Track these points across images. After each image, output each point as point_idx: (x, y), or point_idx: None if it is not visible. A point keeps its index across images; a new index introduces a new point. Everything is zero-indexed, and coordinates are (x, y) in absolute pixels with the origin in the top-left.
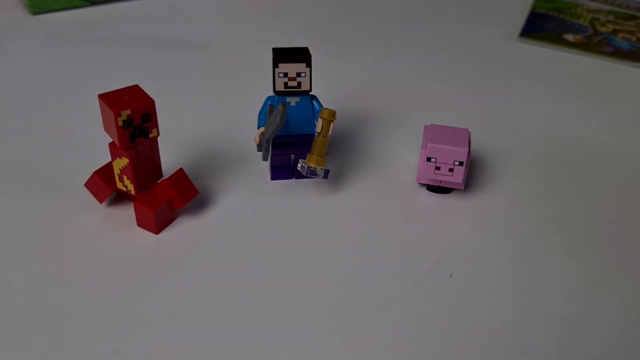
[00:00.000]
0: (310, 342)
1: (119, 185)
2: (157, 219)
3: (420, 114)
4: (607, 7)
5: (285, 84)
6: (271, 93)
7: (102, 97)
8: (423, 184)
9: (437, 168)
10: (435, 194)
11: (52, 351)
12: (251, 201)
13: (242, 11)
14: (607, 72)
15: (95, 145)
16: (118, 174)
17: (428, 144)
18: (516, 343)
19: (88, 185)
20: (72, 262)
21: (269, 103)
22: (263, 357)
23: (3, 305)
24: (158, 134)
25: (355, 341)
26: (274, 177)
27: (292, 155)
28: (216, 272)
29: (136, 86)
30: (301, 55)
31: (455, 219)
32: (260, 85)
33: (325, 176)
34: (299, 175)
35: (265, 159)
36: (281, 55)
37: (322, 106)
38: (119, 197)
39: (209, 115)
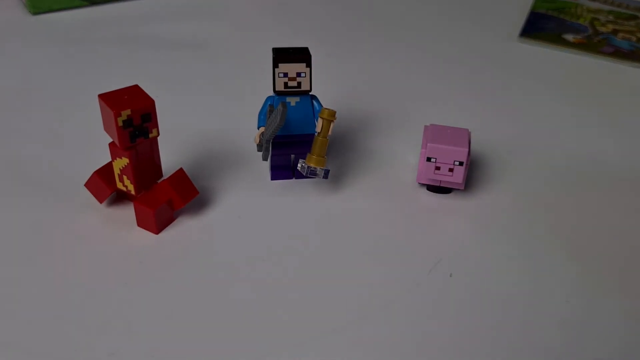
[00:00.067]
0: (310, 342)
1: (119, 185)
2: (157, 219)
3: (420, 114)
4: (607, 7)
5: (285, 84)
6: (271, 93)
7: (102, 97)
8: (423, 184)
9: (437, 168)
10: (435, 194)
11: (52, 351)
12: (251, 201)
13: (242, 11)
14: (607, 72)
15: (95, 145)
16: (118, 174)
17: (428, 144)
18: (516, 343)
19: (88, 185)
20: (72, 262)
21: (269, 103)
22: (263, 357)
23: (3, 305)
24: (158, 134)
25: (355, 341)
26: (274, 177)
27: (292, 155)
28: (216, 272)
29: (136, 86)
30: (301, 55)
31: (455, 219)
32: (260, 85)
33: (325, 176)
34: (299, 175)
35: (265, 159)
36: (281, 55)
37: (322, 106)
38: (119, 197)
39: (209, 115)
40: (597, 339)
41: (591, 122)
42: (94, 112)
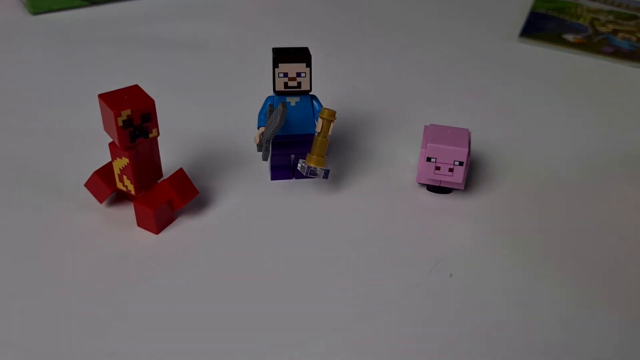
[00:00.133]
0: (310, 342)
1: (119, 185)
2: (157, 219)
3: (420, 114)
4: (607, 7)
5: (285, 84)
6: (271, 93)
7: (102, 97)
8: (423, 184)
9: (437, 168)
10: (435, 194)
11: (52, 351)
12: (251, 201)
13: (242, 11)
14: (607, 72)
15: (95, 145)
16: (118, 174)
17: (428, 144)
18: (516, 343)
19: (88, 185)
20: (72, 262)
21: (269, 103)
22: (263, 357)
23: (3, 305)
24: (158, 134)
25: (355, 341)
26: (274, 177)
27: (292, 155)
28: (216, 272)
29: (136, 86)
30: (301, 55)
31: (455, 219)
32: (260, 85)
33: (325, 176)
34: (299, 175)
35: (265, 159)
36: (281, 55)
37: (322, 106)
38: (119, 197)
39: (209, 115)
40: (597, 339)
41: (591, 122)
42: (94, 112)
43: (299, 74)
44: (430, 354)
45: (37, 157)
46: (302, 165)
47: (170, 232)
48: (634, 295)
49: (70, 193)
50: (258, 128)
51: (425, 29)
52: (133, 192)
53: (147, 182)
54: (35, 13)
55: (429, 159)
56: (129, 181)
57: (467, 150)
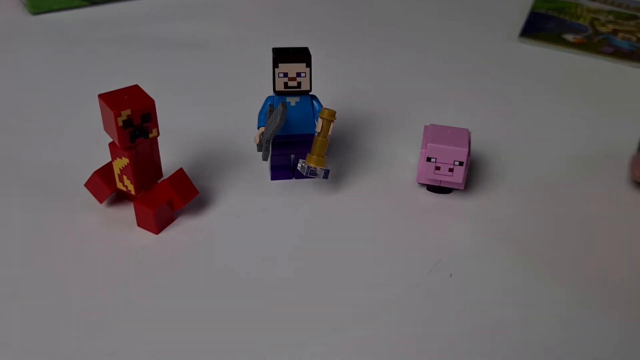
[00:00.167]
0: (310, 342)
1: (119, 185)
2: (157, 219)
3: (420, 114)
4: (607, 7)
5: (285, 84)
6: (271, 93)
7: (102, 97)
8: (423, 184)
9: (437, 168)
10: (435, 194)
11: (52, 351)
12: (251, 201)
13: (242, 11)
14: (607, 72)
15: (95, 145)
16: (118, 174)
17: (428, 144)
18: (516, 343)
19: (88, 185)
20: (72, 262)
21: (269, 103)
22: (263, 357)
23: (3, 305)
24: (158, 134)
25: (355, 341)
26: (274, 177)
27: (292, 155)
28: (216, 272)
29: (136, 86)
30: (301, 55)
31: (455, 219)
32: (260, 85)
33: (325, 176)
34: (299, 175)
35: (265, 159)
36: (281, 55)
37: (322, 106)
38: (119, 197)
39: (209, 115)
40: (597, 339)
41: (591, 122)
42: (94, 112)
43: (299, 74)
44: (430, 354)
45: (37, 157)
46: (302, 165)
47: (170, 232)
48: (634, 295)
49: (70, 193)
50: (258, 128)
51: (425, 29)
52: (133, 192)
53: (147, 182)
54: (35, 13)
55: (429, 159)
56: (129, 181)
57: (467, 150)
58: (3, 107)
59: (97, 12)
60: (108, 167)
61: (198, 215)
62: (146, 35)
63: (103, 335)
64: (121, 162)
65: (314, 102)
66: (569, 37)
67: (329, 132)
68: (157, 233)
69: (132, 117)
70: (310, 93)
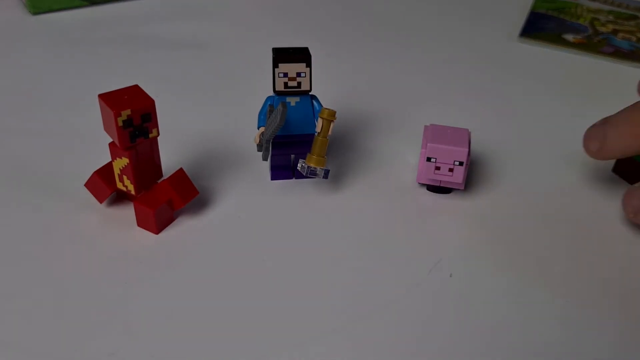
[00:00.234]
0: (310, 342)
1: (119, 185)
2: (157, 219)
3: (420, 114)
4: (607, 7)
5: (285, 84)
6: (271, 93)
7: (102, 97)
8: (423, 184)
9: (437, 168)
10: (435, 194)
11: (52, 351)
12: (251, 201)
13: (242, 11)
14: (607, 72)
15: (95, 145)
16: (118, 174)
17: (428, 144)
18: (516, 343)
19: (88, 185)
20: (72, 262)
21: (269, 103)
22: (263, 357)
23: (3, 305)
24: (158, 134)
25: (355, 341)
26: (274, 177)
27: (292, 155)
28: (216, 272)
29: (136, 86)
30: (301, 55)
31: (456, 219)
32: (260, 85)
33: (325, 176)
34: (299, 175)
35: (265, 159)
36: (281, 55)
37: (322, 106)
38: (119, 197)
39: (209, 115)
40: (597, 339)
41: (591, 122)
42: (94, 112)
43: (299, 74)
44: (430, 354)
45: (37, 157)
46: (302, 165)
47: (170, 232)
48: (634, 296)
49: (70, 193)
50: (258, 128)
51: (425, 29)
52: (133, 192)
53: (147, 182)
54: (35, 13)
55: (429, 159)
56: (129, 181)
57: (467, 150)
58: (3, 107)
59: (97, 12)
60: (108, 167)
61: (198, 215)
62: (146, 35)
63: (103, 335)
64: (121, 162)
65: (314, 102)
66: (569, 37)
67: (329, 132)
68: (157, 233)
69: (132, 117)
70: (310, 93)
